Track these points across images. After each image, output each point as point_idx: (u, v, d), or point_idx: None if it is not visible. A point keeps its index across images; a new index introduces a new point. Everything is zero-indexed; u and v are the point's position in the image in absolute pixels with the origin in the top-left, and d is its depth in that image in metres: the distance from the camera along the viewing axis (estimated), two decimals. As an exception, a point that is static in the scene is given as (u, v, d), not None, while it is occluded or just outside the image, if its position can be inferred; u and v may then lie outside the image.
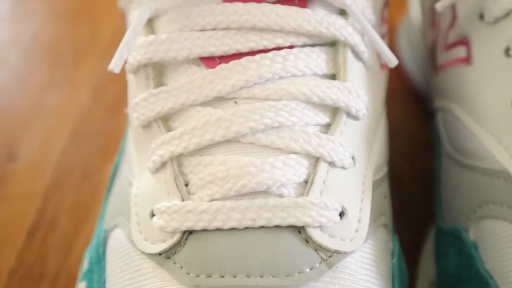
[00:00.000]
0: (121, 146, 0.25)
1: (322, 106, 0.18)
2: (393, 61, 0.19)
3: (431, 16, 0.24)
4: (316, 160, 0.17)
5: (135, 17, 0.17)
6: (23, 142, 0.32)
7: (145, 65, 0.18)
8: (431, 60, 0.25)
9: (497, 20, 0.19)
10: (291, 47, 0.18)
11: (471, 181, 0.20)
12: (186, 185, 0.17)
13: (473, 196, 0.20)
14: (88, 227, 0.28)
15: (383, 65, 0.21)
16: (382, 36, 0.22)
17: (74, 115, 0.34)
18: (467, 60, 0.21)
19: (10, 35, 0.41)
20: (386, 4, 0.22)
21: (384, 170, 0.21)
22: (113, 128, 0.33)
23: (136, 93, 0.19)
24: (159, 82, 0.19)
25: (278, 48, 0.18)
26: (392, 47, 0.35)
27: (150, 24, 0.19)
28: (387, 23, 0.22)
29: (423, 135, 0.32)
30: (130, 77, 0.20)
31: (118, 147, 0.32)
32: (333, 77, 0.18)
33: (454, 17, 0.22)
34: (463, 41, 0.21)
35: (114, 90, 0.36)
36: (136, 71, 0.19)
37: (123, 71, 0.36)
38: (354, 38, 0.18)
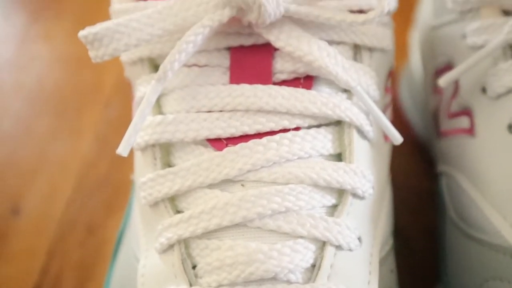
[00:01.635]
0: (127, 210, 0.25)
1: (329, 188, 0.18)
2: (398, 139, 0.19)
3: (433, 82, 0.24)
4: (323, 244, 0.17)
5: (143, 101, 0.18)
6: (27, 196, 0.32)
7: (153, 145, 0.19)
8: (434, 124, 0.25)
9: (500, 96, 0.20)
10: (297, 128, 0.18)
11: (477, 254, 0.20)
12: (194, 267, 0.17)
13: (479, 269, 0.20)
14: (92, 287, 0.28)
15: (387, 137, 0.21)
16: (386, 106, 0.22)
17: (78, 166, 0.34)
18: (471, 131, 0.21)
19: (14, 81, 0.41)
20: (390, 75, 0.22)
21: (390, 242, 0.21)
22: (117, 180, 0.33)
23: (143, 172, 0.19)
24: (166, 161, 0.19)
25: (285, 130, 0.18)
26: (394, 94, 0.36)
27: (157, 101, 0.19)
28: (391, 92, 0.23)
29: (426, 187, 0.32)
30: (137, 154, 0.20)
31: (122, 201, 0.32)
32: (339, 156, 0.18)
33: (456, 87, 0.22)
34: (466, 112, 0.21)
35: (118, 140, 0.36)
36: (143, 149, 0.19)
37: (125, 118, 0.37)
38: (360, 119, 0.18)
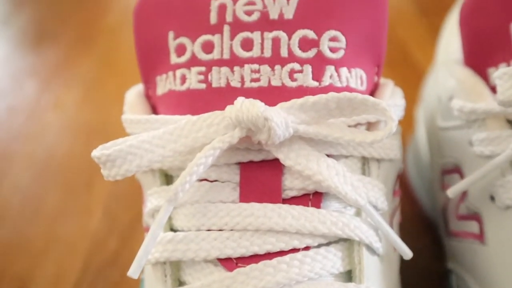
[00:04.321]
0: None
1: (339, 310, 0.18)
2: (407, 255, 0.19)
3: (441, 179, 0.25)
4: None
5: (155, 223, 0.18)
6: (34, 277, 0.32)
7: (163, 262, 0.19)
8: (444, 221, 0.25)
9: (509, 208, 0.20)
10: (307, 248, 0.18)
11: None
12: None
13: None
14: None
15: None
16: (395, 209, 0.22)
17: (86, 245, 0.34)
18: (480, 238, 0.21)
19: (24, 152, 0.42)
20: (397, 181, 0.22)
21: None
22: (125, 259, 0.33)
23: (153, 287, 0.19)
24: (177, 276, 0.19)
25: (295, 250, 0.18)
26: (402, 193, 0.36)
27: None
28: (399, 195, 0.23)
29: (434, 267, 0.32)
30: (148, 268, 0.20)
31: (130, 283, 0.32)
32: (349, 273, 0.18)
33: (464, 192, 0.22)
34: (475, 217, 0.21)
35: (127, 216, 0.36)
36: (153, 265, 0.19)
37: (134, 193, 0.37)
38: (369, 237, 0.19)
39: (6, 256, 0.33)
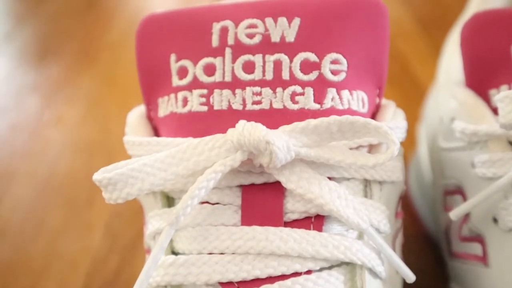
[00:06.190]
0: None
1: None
2: (410, 278, 0.19)
3: (443, 200, 0.24)
4: None
5: (156, 247, 0.18)
6: (35, 297, 0.32)
7: (165, 286, 0.19)
8: (446, 242, 0.25)
9: (511, 230, 0.20)
10: (308, 272, 0.18)
11: None
12: None
13: None
14: None
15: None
16: (398, 230, 0.22)
17: (88, 263, 0.34)
18: (484, 260, 0.21)
19: (27, 169, 0.42)
20: (399, 202, 0.22)
21: None
22: (127, 277, 0.33)
23: (156, 311, 0.19)
24: (178, 300, 0.19)
25: (296, 274, 0.18)
26: (404, 215, 0.36)
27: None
28: (402, 216, 0.23)
29: (436, 286, 0.31)
30: (149, 291, 0.20)
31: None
32: (351, 297, 0.18)
33: (467, 214, 0.22)
34: (478, 239, 0.21)
35: (129, 233, 0.36)
36: (155, 288, 0.19)
37: (135, 209, 0.36)
38: (371, 260, 0.18)
39: (7, 274, 0.33)
